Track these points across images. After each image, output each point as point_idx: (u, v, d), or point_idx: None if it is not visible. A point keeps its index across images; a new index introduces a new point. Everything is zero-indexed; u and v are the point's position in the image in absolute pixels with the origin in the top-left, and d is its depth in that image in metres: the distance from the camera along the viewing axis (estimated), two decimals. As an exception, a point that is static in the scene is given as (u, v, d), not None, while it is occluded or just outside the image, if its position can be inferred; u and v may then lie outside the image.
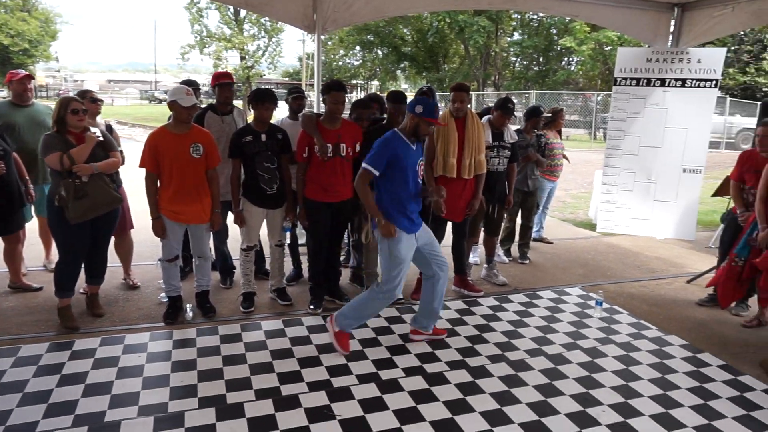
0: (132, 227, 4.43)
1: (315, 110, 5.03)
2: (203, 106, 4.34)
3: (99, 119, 4.19)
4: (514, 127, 5.27)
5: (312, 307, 4.09)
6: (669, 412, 2.98)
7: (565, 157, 6.12)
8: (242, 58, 30.92)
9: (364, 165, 3.27)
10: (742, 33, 21.29)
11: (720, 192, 5.56)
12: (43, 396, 2.88)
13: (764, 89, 20.10)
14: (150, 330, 3.70)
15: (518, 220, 5.60)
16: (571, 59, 26.35)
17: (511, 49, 27.58)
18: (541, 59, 27.40)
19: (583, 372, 3.38)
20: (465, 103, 4.12)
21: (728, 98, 18.85)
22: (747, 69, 21.14)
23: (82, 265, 3.76)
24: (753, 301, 4.36)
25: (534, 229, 5.95)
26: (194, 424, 2.69)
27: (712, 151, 14.92)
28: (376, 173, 3.26)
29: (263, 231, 4.10)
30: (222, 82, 4.23)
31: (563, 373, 3.36)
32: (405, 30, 29.18)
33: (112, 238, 4.28)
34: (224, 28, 31.11)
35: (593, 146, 18.65)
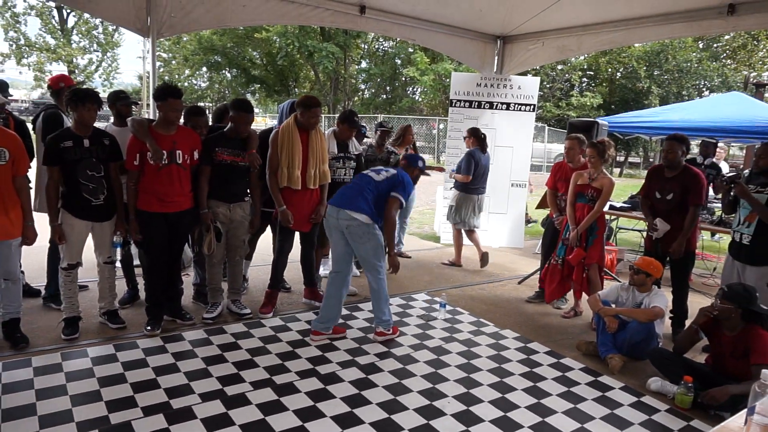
0: None
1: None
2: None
3: None
4: (368, 141, 5.45)
5: (149, 328, 3.74)
6: (505, 396, 3.22)
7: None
8: (71, 72, 27.89)
9: (396, 195, 3.75)
10: (553, 72, 24.62)
11: (542, 204, 6.28)
12: None
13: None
14: (-62, 368, 3.08)
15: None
16: (415, 88, 28.12)
17: (360, 76, 28.63)
18: (387, 87, 28.85)
19: (430, 369, 3.52)
20: (317, 118, 4.15)
21: (546, 127, 21.54)
22: (560, 103, 24.41)
23: None
24: (569, 295, 4.95)
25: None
26: (-5, 468, 2.27)
27: (536, 172, 16.87)
28: (404, 203, 3.83)
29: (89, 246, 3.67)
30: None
31: (411, 371, 3.47)
32: (254, 53, 28.82)
33: None
34: (47, 37, 27.95)
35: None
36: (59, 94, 4.02)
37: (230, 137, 3.92)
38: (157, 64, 5.17)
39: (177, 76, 32.27)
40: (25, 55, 27.71)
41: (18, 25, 27.23)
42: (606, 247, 5.61)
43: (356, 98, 29.96)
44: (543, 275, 4.88)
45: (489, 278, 5.85)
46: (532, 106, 7.04)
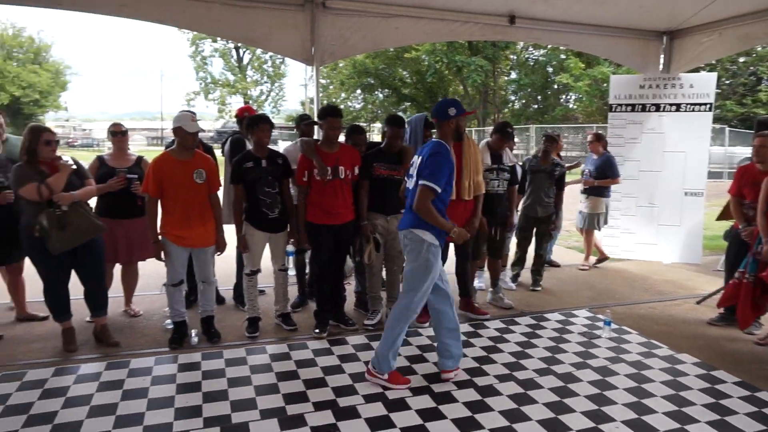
0: (147, 257, 4.25)
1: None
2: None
3: (130, 150, 4.30)
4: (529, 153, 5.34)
5: (317, 331, 4.06)
6: (685, 427, 2.91)
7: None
8: (246, 103, 31.62)
9: (423, 183, 3.05)
10: (734, 66, 21.73)
11: (724, 216, 5.56)
12: (47, 418, 2.85)
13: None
14: (155, 355, 3.66)
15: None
16: (568, 96, 26.83)
17: (509, 87, 28.12)
18: (539, 97, 27.90)
19: (594, 390, 3.31)
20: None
21: (727, 129, 19.07)
22: (743, 101, 21.47)
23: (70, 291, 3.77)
24: (765, 319, 4.31)
25: None
26: (198, 443, 2.64)
27: (716, 180, 14.98)
28: (440, 190, 3.08)
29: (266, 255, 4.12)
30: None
31: (574, 390, 3.30)
32: (404, 72, 29.86)
33: (118, 267, 4.31)
34: (228, 74, 31.99)
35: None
36: (243, 122, 4.59)
37: (386, 152, 4.14)
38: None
39: (334, 100, 34.72)
40: (211, 91, 31.97)
41: (206, 67, 31.59)
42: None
43: (506, 110, 29.44)
44: (725, 297, 4.30)
45: (660, 296, 5.33)
46: (708, 105, 6.30)
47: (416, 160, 3.28)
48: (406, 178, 3.42)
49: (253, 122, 3.94)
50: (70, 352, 3.67)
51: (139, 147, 36.69)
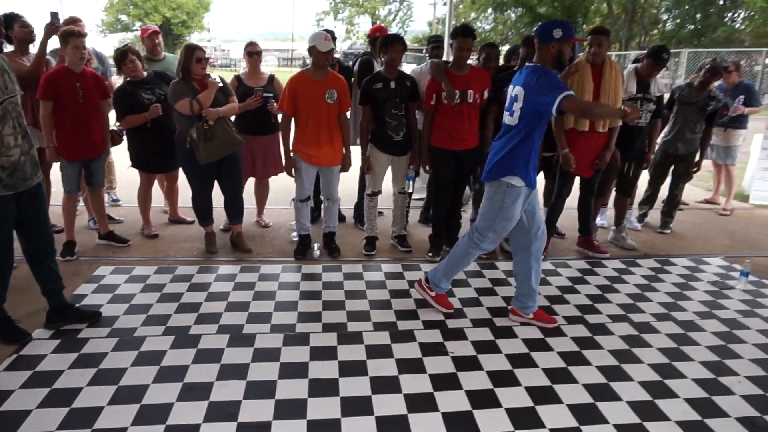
0: (277, 172, 4.64)
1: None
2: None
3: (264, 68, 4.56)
4: (680, 81, 4.81)
5: (431, 254, 4.19)
6: (821, 391, 2.66)
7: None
8: (374, 23, 31.42)
9: (562, 95, 2.72)
10: None
11: None
12: (194, 307, 3.33)
13: None
14: (281, 263, 4.05)
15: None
16: (737, 14, 23.13)
17: (664, 4, 24.84)
18: (698, 15, 24.36)
19: (719, 341, 3.12)
20: (603, 47, 3.85)
21: None
22: None
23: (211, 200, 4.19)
24: None
25: None
26: (318, 344, 2.94)
27: None
28: (573, 92, 2.84)
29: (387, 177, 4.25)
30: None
31: (694, 339, 3.13)
32: (541, -12, 27.58)
33: (252, 180, 4.71)
34: (357, -8, 31.77)
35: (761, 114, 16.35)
36: (374, 43, 4.60)
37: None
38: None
39: (463, 20, 33.24)
40: (341, 11, 32.12)
41: (333, -16, 31.58)
42: None
43: (655, 31, 26.22)
44: None
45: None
46: None
47: (516, 90, 2.93)
48: (505, 112, 3.05)
49: (387, 42, 3.94)
50: (211, 253, 4.18)
51: (270, 67, 38.48)
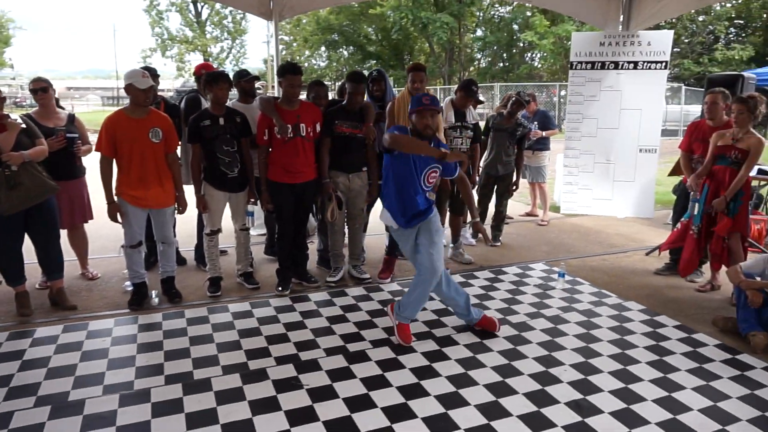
0: (87, 220, 4.29)
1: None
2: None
3: (59, 108, 4.10)
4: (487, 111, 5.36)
5: (280, 288, 4.10)
6: (627, 368, 3.10)
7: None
8: (206, 60, 30.54)
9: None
10: (693, 24, 22.06)
11: (675, 171, 5.77)
12: (2, 381, 2.83)
13: (717, 79, 20.78)
14: (114, 317, 3.65)
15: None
16: (534, 54, 26.87)
17: (475, 45, 27.94)
18: (504, 55, 27.86)
19: (546, 337, 3.48)
20: (424, 83, 4.19)
21: (683, 87, 19.50)
22: (701, 59, 21.92)
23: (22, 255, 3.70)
24: (706, 268, 4.56)
25: None
26: (161, 399, 2.68)
27: (671, 138, 15.41)
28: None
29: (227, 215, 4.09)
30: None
31: (527, 338, 3.45)
32: (369, 29, 29.29)
33: (64, 231, 4.20)
34: (186, 30, 30.80)
35: (558, 137, 19.00)
36: (200, 80, 4.45)
37: (348, 110, 4.10)
38: (280, 46, 5.51)
39: (298, 57, 33.88)
40: (168, 48, 30.72)
41: (162, 22, 30.23)
42: (755, 217, 5.09)
43: (472, 68, 29.34)
44: (670, 239, 4.53)
45: (612, 249, 5.56)
46: (663, 63, 6.43)
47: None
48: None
49: (211, 79, 3.83)
50: (24, 316, 3.62)
51: (93, 107, 35.32)
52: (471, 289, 4.30)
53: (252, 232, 4.58)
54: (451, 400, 2.73)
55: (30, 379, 2.85)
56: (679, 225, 4.46)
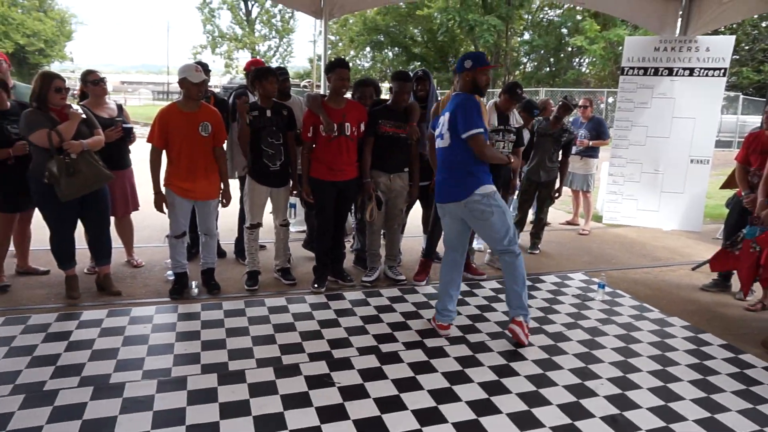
0: (136, 208, 4.44)
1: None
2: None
3: (109, 99, 4.26)
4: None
5: (316, 285, 4.14)
6: (667, 385, 2.99)
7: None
8: (253, 57, 31.21)
9: (468, 135, 3.14)
10: (755, 30, 21.09)
11: (728, 184, 5.53)
12: (50, 359, 2.96)
13: (778, 89, 19.87)
14: (155, 304, 3.77)
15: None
16: (582, 59, 26.26)
17: (522, 49, 27.52)
18: (551, 59, 27.33)
19: (583, 349, 3.39)
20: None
21: (741, 96, 18.68)
22: (762, 67, 20.93)
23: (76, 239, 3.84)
24: (756, 286, 4.34)
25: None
26: (196, 387, 2.75)
27: (725, 149, 14.81)
28: (483, 130, 3.18)
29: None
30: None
31: (562, 349, 3.38)
32: (415, 30, 29.23)
33: (113, 219, 4.36)
34: (236, 28, 31.52)
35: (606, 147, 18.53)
36: (249, 76, 4.54)
37: (393, 109, 4.11)
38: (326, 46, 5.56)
39: (343, 56, 34.19)
40: (218, 45, 31.51)
41: (213, 19, 31.04)
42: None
43: (517, 72, 28.90)
44: (715, 259, 4.30)
45: (656, 262, 5.38)
46: (722, 71, 6.16)
47: (443, 118, 3.33)
48: (437, 138, 3.43)
49: (260, 74, 3.89)
50: (72, 299, 3.77)
51: (144, 101, 36.64)
52: (507, 296, 4.22)
53: (291, 228, 4.66)
54: (483, 407, 2.69)
55: (75, 360, 2.97)
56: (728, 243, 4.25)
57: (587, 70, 26.45)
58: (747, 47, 21.03)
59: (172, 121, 3.67)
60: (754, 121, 18.44)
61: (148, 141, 3.75)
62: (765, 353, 3.44)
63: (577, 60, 27.07)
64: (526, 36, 27.60)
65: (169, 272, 4.15)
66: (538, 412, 2.68)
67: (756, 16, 20.06)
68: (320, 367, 3.00)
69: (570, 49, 24.97)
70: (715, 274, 4.65)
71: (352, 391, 2.78)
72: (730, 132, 17.78)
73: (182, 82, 3.66)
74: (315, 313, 3.75)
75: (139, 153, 4.35)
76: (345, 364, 3.06)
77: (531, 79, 26.66)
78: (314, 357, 3.13)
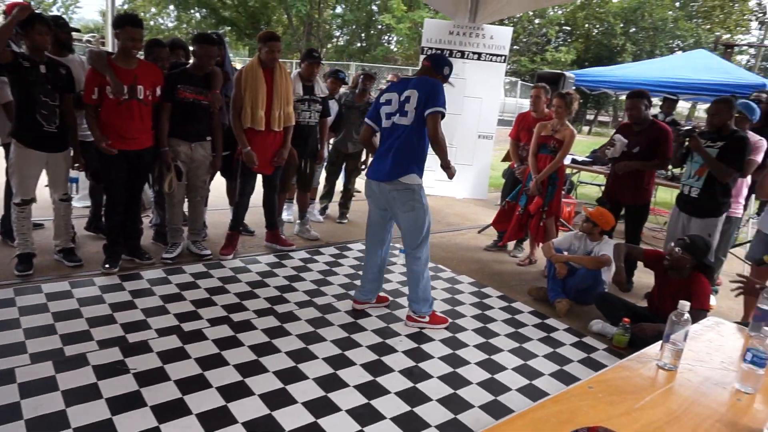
0: None
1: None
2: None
3: None
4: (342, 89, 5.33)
5: (107, 266, 3.72)
6: (456, 335, 3.37)
7: None
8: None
9: (434, 109, 3.09)
10: (531, 26, 24.33)
11: (507, 158, 6.36)
12: None
13: (547, 76, 23.38)
14: None
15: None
16: (390, 37, 27.54)
17: (334, 22, 27.83)
18: (362, 34, 28.15)
19: (384, 311, 3.64)
20: (279, 53, 4.04)
21: (520, 82, 21.48)
22: (534, 58, 24.28)
23: None
24: (526, 245, 5.11)
25: None
26: (-54, 395, 2.30)
27: (507, 127, 16.92)
28: (444, 111, 3.16)
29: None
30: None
31: (367, 312, 3.58)
32: (225, -8, 27.60)
33: None
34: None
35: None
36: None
37: (193, 74, 3.82)
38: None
39: (142, 14, 30.77)
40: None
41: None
42: (565, 200, 5.77)
43: (330, 45, 29.21)
44: (497, 218, 5.04)
45: (449, 227, 5.98)
46: (503, 57, 6.99)
47: (408, 92, 3.18)
48: (394, 115, 3.24)
49: (26, 22, 3.25)
50: None
51: None
52: (315, 266, 4.32)
53: (75, 203, 4.10)
54: (291, 375, 2.73)
55: None
56: (506, 205, 4.94)
57: (395, 48, 27.84)
58: (524, 39, 24.18)
59: None
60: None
61: None
62: (530, 300, 4.07)
63: (386, 37, 28.30)
64: (339, 9, 27.95)
65: None
66: (343, 373, 2.80)
67: (531, 14, 23.14)
68: (112, 354, 2.74)
69: (380, 26, 25.98)
70: (495, 235, 5.34)
71: (151, 376, 2.59)
72: (512, 113, 20.39)
73: None
74: (106, 296, 3.39)
75: None
76: (142, 348, 2.83)
77: (343, 53, 27.20)
78: (104, 344, 2.83)
